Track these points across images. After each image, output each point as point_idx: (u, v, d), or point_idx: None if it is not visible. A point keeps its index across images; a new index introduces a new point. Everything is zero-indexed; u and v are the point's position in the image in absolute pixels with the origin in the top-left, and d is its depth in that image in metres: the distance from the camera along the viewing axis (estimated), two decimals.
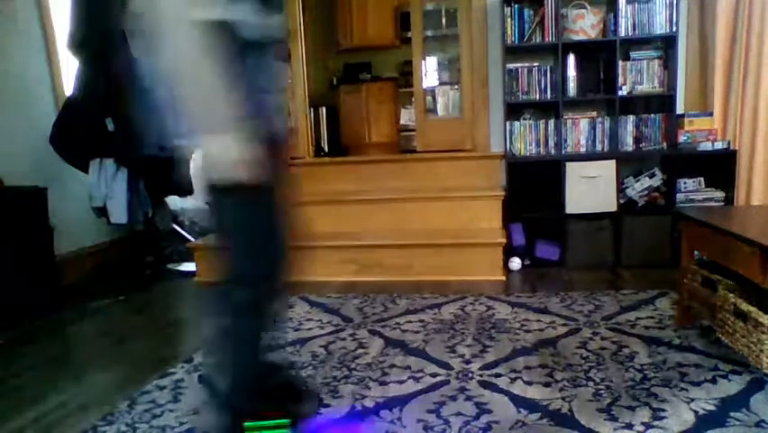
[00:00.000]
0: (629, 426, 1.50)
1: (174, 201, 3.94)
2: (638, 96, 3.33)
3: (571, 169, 3.23)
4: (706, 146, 3.15)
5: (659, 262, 3.13)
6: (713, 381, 1.73)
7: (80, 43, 3.15)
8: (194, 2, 1.02)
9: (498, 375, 1.86)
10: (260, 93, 1.19)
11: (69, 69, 3.35)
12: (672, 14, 3.16)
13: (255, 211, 1.24)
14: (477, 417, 1.60)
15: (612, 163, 3.21)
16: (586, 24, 3.22)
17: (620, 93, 3.26)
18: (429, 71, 4.28)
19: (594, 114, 3.41)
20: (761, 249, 1.58)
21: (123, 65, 3.06)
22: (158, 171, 3.36)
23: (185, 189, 3.56)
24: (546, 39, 3.31)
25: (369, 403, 1.72)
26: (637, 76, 3.31)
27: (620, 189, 3.28)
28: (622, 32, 3.22)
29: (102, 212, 3.31)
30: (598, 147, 3.38)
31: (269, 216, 1.29)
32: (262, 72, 1.19)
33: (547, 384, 1.78)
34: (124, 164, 3.23)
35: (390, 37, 6.37)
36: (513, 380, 1.82)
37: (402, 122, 6.18)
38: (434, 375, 1.89)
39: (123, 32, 3.22)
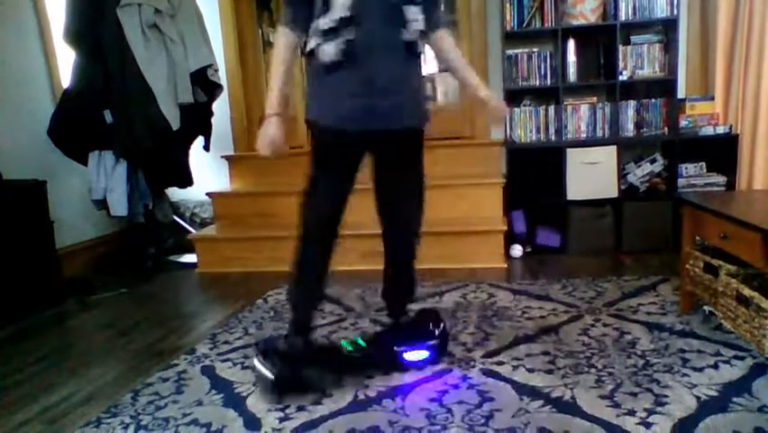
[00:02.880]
0: (632, 412, 1.50)
1: (174, 193, 3.94)
2: (639, 80, 3.30)
3: (572, 155, 3.22)
4: (707, 131, 3.14)
5: (660, 248, 3.13)
6: (715, 366, 1.73)
7: (76, 35, 3.13)
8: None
9: (500, 363, 1.86)
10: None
11: (66, 61, 3.33)
12: None
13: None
14: (479, 405, 1.60)
15: (613, 149, 3.20)
16: (586, 9, 3.19)
17: (621, 78, 3.24)
18: (428, 59, 4.24)
19: (594, 99, 3.39)
20: (763, 234, 1.57)
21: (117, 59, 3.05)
22: (157, 163, 3.35)
23: (184, 181, 3.56)
24: (546, 24, 3.28)
25: (371, 393, 1.72)
26: (638, 60, 3.29)
27: (621, 175, 3.27)
28: (622, 16, 3.19)
29: (102, 204, 3.31)
30: (599, 133, 3.36)
31: None
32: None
33: (549, 372, 1.78)
34: (124, 156, 3.22)
35: None
36: (515, 367, 1.82)
37: None
38: (436, 363, 1.89)
39: (118, 23, 3.20)
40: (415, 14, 1.65)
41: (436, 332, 1.90)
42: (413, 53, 1.69)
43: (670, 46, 3.24)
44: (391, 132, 1.73)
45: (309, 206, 1.79)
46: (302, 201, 1.79)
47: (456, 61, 1.84)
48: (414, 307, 2.08)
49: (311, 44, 1.65)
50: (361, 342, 1.92)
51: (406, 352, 1.84)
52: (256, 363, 1.73)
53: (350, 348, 1.89)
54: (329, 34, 1.60)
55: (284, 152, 1.75)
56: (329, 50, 1.61)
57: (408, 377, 1.81)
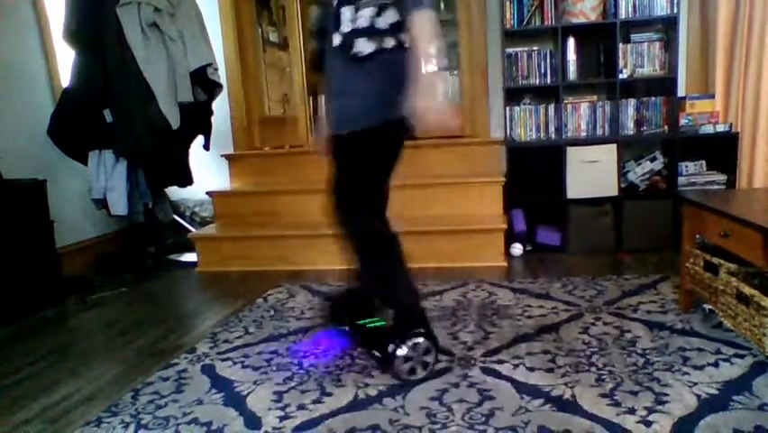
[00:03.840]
0: (632, 410, 1.50)
1: (174, 192, 3.94)
2: (639, 79, 3.30)
3: (572, 153, 3.22)
4: (707, 129, 3.13)
5: (661, 247, 3.13)
6: (715, 364, 1.73)
7: (76, 34, 3.12)
8: None
9: (500, 362, 1.86)
10: None
11: (66, 60, 3.33)
12: None
13: None
14: (480, 403, 1.60)
15: (613, 147, 3.20)
16: (585, 7, 3.18)
17: (621, 76, 3.23)
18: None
19: (594, 98, 3.39)
20: (763, 232, 1.57)
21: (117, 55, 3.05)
22: (157, 162, 3.35)
23: (185, 179, 3.56)
24: (546, 22, 3.28)
25: (372, 391, 1.72)
26: (638, 59, 3.28)
27: (621, 174, 3.27)
28: (622, 15, 3.19)
29: (102, 204, 3.31)
30: (599, 131, 3.36)
31: None
32: None
33: (550, 370, 1.78)
34: (123, 155, 3.22)
35: None
36: (515, 366, 1.82)
37: None
38: (436, 362, 1.88)
39: (117, 22, 3.19)
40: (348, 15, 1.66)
41: None
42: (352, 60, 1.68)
43: (670, 44, 3.24)
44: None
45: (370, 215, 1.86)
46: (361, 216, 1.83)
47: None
48: None
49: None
50: None
51: None
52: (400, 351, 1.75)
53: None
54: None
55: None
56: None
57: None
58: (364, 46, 1.66)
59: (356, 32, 1.66)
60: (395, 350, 1.75)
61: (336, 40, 1.69)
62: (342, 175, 1.87)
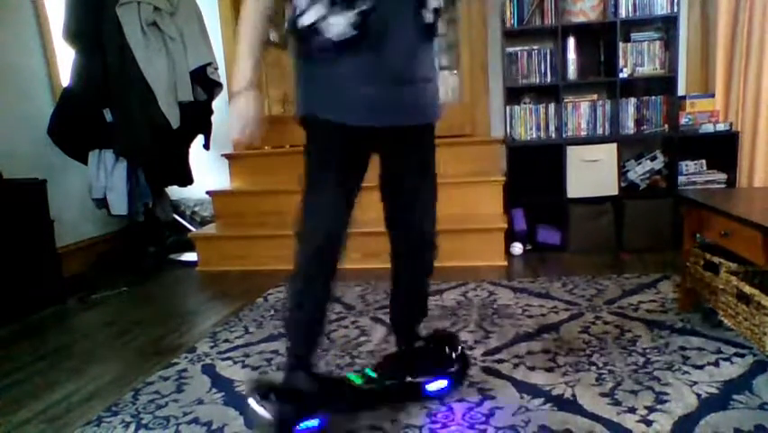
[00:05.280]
0: (632, 410, 1.50)
1: (174, 191, 3.94)
2: (639, 78, 3.29)
3: (572, 153, 3.22)
4: (708, 128, 3.13)
5: (661, 246, 3.12)
6: (716, 364, 1.73)
7: (76, 33, 3.12)
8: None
9: (500, 361, 1.86)
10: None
11: (66, 60, 3.32)
12: None
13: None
14: (480, 403, 1.60)
15: (613, 147, 3.20)
16: (586, 6, 3.18)
17: (621, 75, 3.23)
18: None
19: (595, 97, 3.38)
20: (763, 231, 1.57)
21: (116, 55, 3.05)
22: (157, 162, 3.35)
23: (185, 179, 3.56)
24: (546, 21, 3.28)
25: None
26: (638, 58, 3.28)
27: (621, 173, 3.27)
28: (622, 14, 3.18)
29: (102, 203, 3.31)
30: (599, 130, 3.35)
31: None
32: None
33: (550, 369, 1.78)
34: (123, 155, 3.22)
35: None
36: (516, 365, 1.82)
37: None
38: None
39: (117, 22, 3.19)
40: None
41: (454, 355, 1.68)
42: (429, 37, 1.44)
43: (670, 43, 3.23)
44: (405, 129, 1.50)
45: (306, 233, 1.53)
46: (297, 230, 1.53)
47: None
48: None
49: (310, 17, 1.30)
50: (370, 373, 1.64)
51: (428, 384, 1.63)
52: (251, 403, 1.40)
53: (358, 381, 1.61)
54: (338, 4, 1.28)
55: (259, 135, 1.43)
56: (338, 24, 1.28)
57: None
58: (433, 15, 1.41)
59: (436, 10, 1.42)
60: None
61: (425, 15, 1.39)
62: (427, 173, 1.74)
